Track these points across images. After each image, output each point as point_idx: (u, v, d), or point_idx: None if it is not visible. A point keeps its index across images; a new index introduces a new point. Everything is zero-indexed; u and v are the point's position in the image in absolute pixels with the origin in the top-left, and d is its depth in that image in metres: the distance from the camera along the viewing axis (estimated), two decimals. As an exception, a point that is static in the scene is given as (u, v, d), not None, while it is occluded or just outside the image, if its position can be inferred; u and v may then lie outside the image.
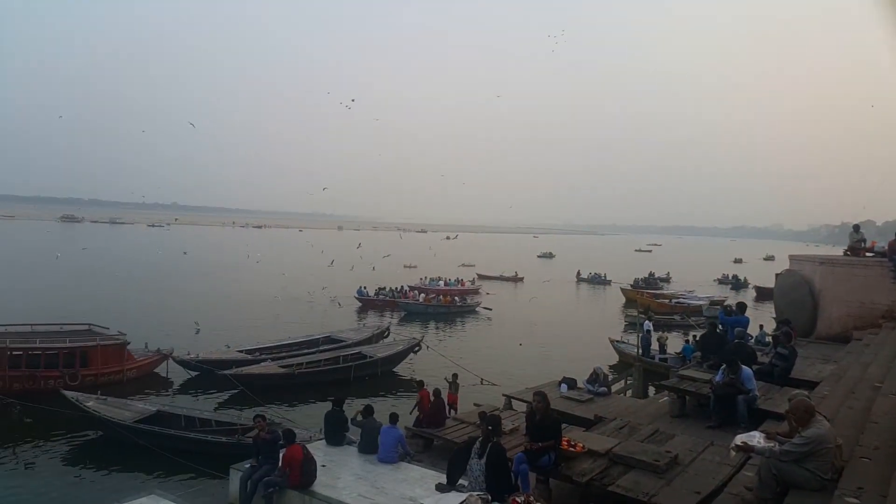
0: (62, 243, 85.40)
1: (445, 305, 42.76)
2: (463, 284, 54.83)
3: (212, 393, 20.73)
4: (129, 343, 21.81)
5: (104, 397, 16.75)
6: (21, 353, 19.40)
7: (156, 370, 22.69)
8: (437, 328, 37.31)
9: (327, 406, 12.09)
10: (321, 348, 25.19)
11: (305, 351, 24.80)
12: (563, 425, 9.92)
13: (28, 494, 13.08)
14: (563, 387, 15.34)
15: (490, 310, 43.55)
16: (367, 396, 19.78)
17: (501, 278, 68.01)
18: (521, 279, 68.43)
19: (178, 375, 22.30)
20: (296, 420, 16.18)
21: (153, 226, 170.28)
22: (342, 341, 26.50)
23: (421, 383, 14.14)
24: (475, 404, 15.95)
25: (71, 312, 27.70)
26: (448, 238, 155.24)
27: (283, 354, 24.30)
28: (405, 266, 71.82)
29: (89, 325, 22.96)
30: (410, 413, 13.44)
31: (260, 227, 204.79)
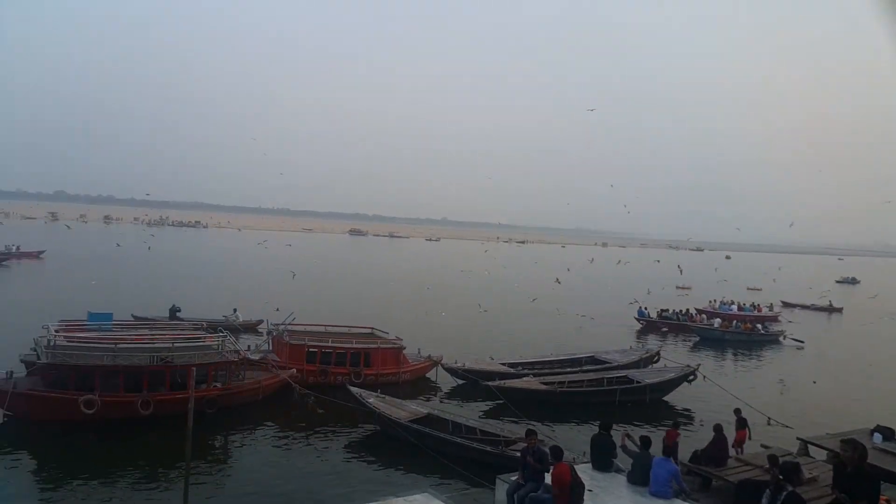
0: (352, 254, 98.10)
1: (745, 332, 39.84)
2: (759, 310, 50.26)
3: (476, 401, 21.88)
4: (404, 348, 24.15)
5: (383, 396, 18.80)
6: (316, 350, 22.70)
7: (427, 375, 24.77)
8: (735, 357, 35.02)
9: (589, 428, 11.99)
10: (584, 368, 25.07)
11: (568, 369, 24.91)
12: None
13: (318, 474, 15.19)
14: (877, 437, 13.30)
15: (801, 342, 39.45)
16: (633, 423, 19.12)
17: (813, 307, 61.31)
18: (839, 310, 60.75)
19: (446, 382, 24.05)
20: (556, 439, 16.28)
21: (429, 240, 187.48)
22: (607, 363, 26.01)
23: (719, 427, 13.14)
24: (763, 445, 14.50)
25: (356, 317, 31.56)
26: (728, 258, 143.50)
27: (545, 370, 24.71)
28: (678, 287, 68.13)
29: (372, 329, 26.02)
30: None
31: (523, 242, 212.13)
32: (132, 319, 26.60)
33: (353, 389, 18.84)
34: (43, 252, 64.78)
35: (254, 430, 18.03)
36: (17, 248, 62.79)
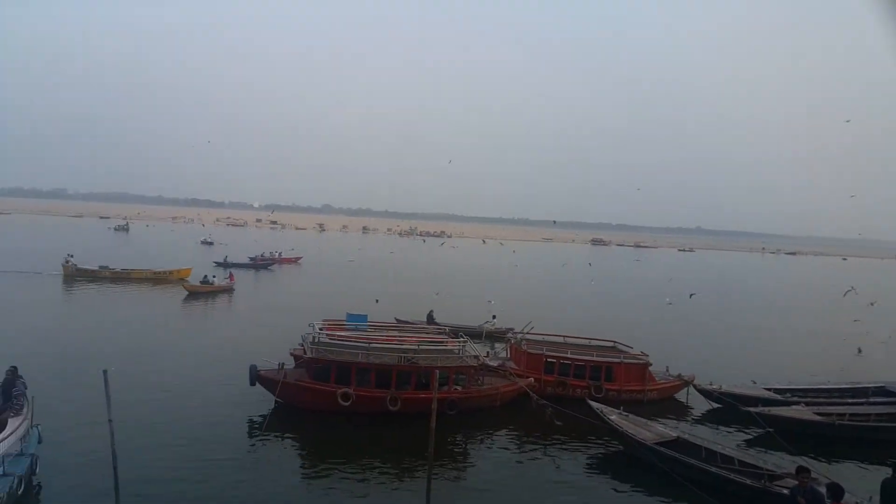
0: (595, 262, 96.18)
1: None
2: None
3: (733, 429, 19.84)
4: (651, 364, 22.82)
5: (626, 413, 17.85)
6: (554, 361, 22.43)
7: (675, 395, 23.11)
8: None
9: (877, 471, 9.95)
10: (872, 400, 21.43)
11: (850, 400, 21.53)
12: None
13: (555, 485, 14.84)
14: None
15: None
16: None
17: None
18: None
19: (698, 404, 22.18)
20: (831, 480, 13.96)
21: (682, 250, 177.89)
22: (905, 396, 21.95)
23: None
24: None
25: (596, 329, 30.66)
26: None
27: (821, 400, 21.61)
28: None
29: (614, 342, 25.01)
30: None
31: (793, 253, 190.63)
32: (394, 321, 29.01)
33: (594, 404, 18.21)
34: (300, 258, 73.95)
35: (491, 435, 18.33)
36: (279, 254, 72.43)
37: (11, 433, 12.65)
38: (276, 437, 17.00)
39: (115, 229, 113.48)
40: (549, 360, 22.40)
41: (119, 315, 33.20)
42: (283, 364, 19.80)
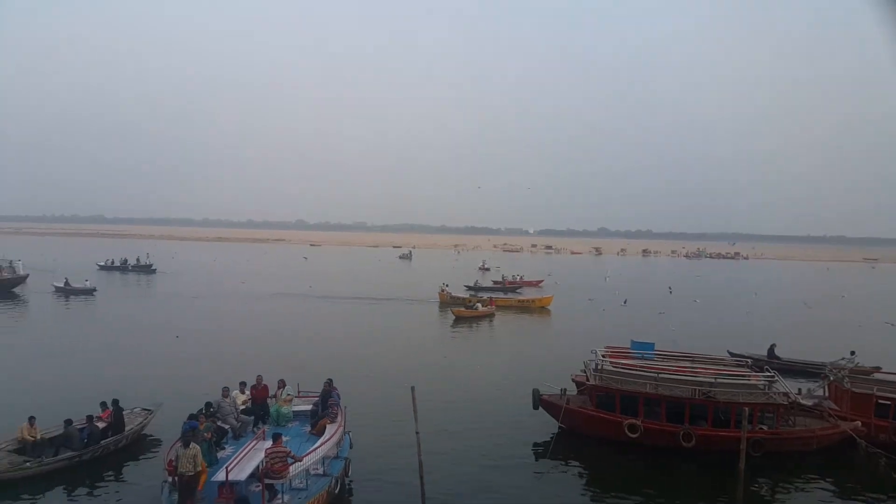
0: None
1: None
2: None
3: None
4: None
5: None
6: (889, 403, 19.34)
7: None
8: None
9: None
10: None
11: None
12: None
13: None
14: None
15: None
16: None
17: None
18: None
19: None
20: None
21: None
22: None
23: None
24: None
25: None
26: None
27: None
28: None
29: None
30: None
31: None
32: (728, 356, 26.66)
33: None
34: (541, 281, 73.81)
35: (806, 485, 16.45)
36: (521, 277, 73.58)
37: (329, 438, 14.64)
38: (561, 462, 17.39)
39: (401, 257, 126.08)
40: (881, 401, 19.42)
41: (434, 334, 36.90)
42: (566, 390, 20.12)
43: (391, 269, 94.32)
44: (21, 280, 56.08)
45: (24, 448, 15.60)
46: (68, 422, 16.24)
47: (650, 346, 23.69)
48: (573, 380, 21.53)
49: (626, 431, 18.09)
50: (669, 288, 69.11)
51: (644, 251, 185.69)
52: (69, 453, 15.66)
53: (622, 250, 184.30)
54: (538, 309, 51.26)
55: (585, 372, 20.86)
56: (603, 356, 20.76)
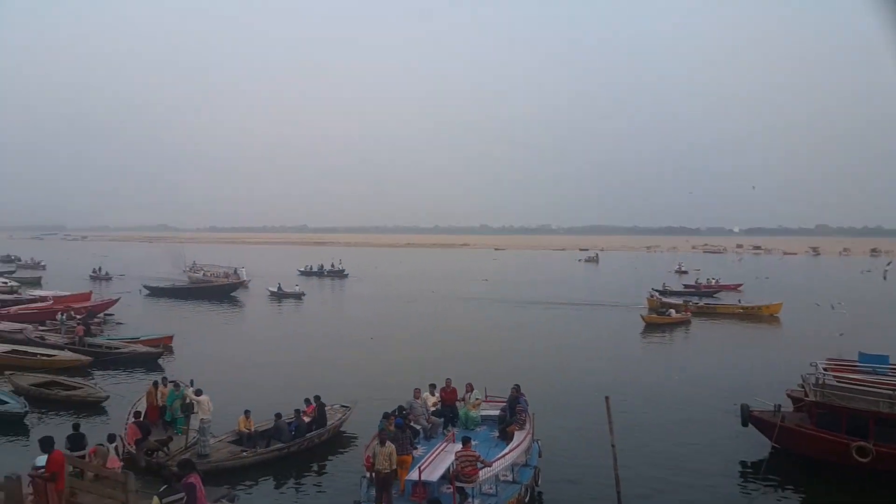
0: None
1: None
2: None
3: None
4: None
5: None
6: None
7: None
8: None
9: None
10: None
11: None
12: None
13: None
14: None
15: None
16: None
17: None
18: None
19: None
20: None
21: None
22: None
23: None
24: None
25: None
26: None
27: None
28: None
29: None
30: None
31: None
32: None
33: None
34: (740, 286, 68.32)
35: None
36: (717, 280, 68.68)
37: (518, 445, 14.43)
38: (775, 485, 15.86)
39: (585, 260, 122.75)
40: None
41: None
42: (780, 406, 18.29)
43: (574, 273, 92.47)
44: (242, 285, 63.12)
45: (241, 439, 17.14)
46: (278, 415, 17.59)
47: (885, 358, 20.80)
48: (788, 395, 19.54)
49: (854, 455, 16.00)
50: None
51: (873, 251, 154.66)
52: (279, 445, 16.96)
53: (845, 250, 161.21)
54: (767, 317, 46.85)
55: (804, 387, 18.79)
56: (825, 370, 18.59)
